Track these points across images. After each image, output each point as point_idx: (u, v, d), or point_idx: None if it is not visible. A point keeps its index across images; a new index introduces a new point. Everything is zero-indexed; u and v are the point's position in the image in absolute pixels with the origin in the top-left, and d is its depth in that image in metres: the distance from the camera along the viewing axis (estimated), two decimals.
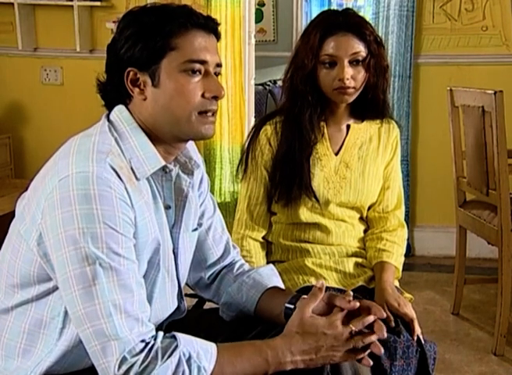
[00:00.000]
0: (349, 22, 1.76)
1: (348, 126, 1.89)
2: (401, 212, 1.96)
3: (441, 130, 3.42)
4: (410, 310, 1.68)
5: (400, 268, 1.89)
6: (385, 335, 1.28)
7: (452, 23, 3.69)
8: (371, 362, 1.29)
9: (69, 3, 3.79)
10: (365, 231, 1.96)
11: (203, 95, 1.27)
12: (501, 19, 3.63)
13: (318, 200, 1.83)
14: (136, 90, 1.26)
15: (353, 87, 1.76)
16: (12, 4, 3.82)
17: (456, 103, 2.87)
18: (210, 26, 1.28)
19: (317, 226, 1.87)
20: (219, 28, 1.32)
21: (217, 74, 1.30)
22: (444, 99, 2.94)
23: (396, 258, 1.88)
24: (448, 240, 3.48)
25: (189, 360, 1.16)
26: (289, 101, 1.84)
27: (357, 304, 1.30)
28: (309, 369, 1.26)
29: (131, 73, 1.25)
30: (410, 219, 3.87)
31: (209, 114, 1.28)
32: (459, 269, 3.01)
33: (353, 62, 1.75)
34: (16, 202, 1.30)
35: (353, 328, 1.25)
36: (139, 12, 1.28)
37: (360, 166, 1.88)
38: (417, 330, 1.64)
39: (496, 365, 2.56)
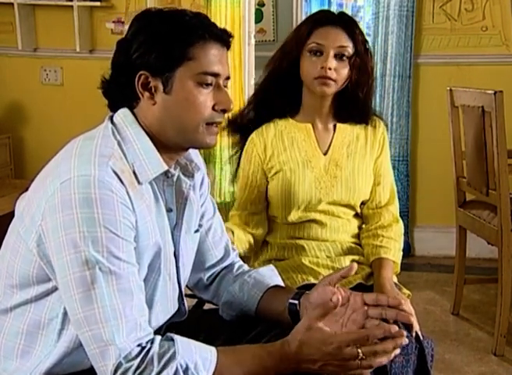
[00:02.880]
0: (342, 17, 1.83)
1: (335, 126, 1.92)
2: (395, 208, 1.96)
3: (441, 130, 3.41)
4: (408, 307, 1.68)
5: (399, 262, 1.90)
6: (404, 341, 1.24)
7: (452, 23, 3.69)
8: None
9: (69, 3, 3.79)
10: (360, 227, 1.97)
11: (213, 107, 1.27)
12: (501, 19, 3.64)
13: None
14: (147, 94, 1.25)
15: (334, 80, 1.79)
16: (12, 4, 3.82)
17: (456, 103, 2.87)
18: (225, 38, 1.29)
19: (312, 221, 1.89)
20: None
21: (225, 87, 1.31)
22: (444, 99, 2.95)
23: (394, 253, 1.88)
24: (448, 240, 3.48)
25: (186, 371, 1.16)
26: (267, 85, 1.89)
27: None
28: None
29: (143, 77, 1.24)
30: (410, 219, 3.87)
31: (215, 125, 1.29)
32: (459, 269, 3.01)
33: (339, 56, 1.79)
34: (15, 202, 1.30)
35: (361, 355, 1.20)
36: (155, 17, 1.27)
37: (349, 163, 1.90)
38: (416, 326, 1.65)
39: (496, 365, 2.56)
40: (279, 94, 1.87)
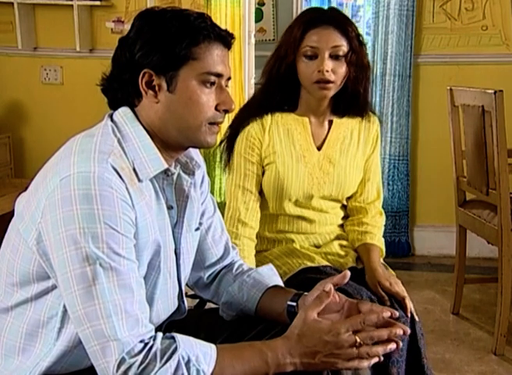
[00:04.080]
0: (332, 16, 1.81)
1: (330, 122, 1.92)
2: (380, 202, 2.01)
3: (441, 130, 3.42)
4: (401, 288, 1.74)
5: (384, 249, 1.95)
6: (408, 331, 1.28)
7: (452, 22, 3.69)
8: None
9: (69, 2, 3.78)
10: (344, 217, 2.00)
11: (216, 107, 1.28)
12: (501, 19, 3.64)
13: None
14: (150, 92, 1.26)
15: (333, 82, 1.78)
16: (12, 3, 3.82)
17: (456, 103, 2.87)
18: (228, 39, 1.30)
19: (301, 218, 1.91)
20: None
21: (226, 87, 1.32)
22: (444, 99, 2.94)
23: (378, 239, 1.94)
24: (448, 239, 3.48)
25: (188, 363, 1.16)
26: (265, 91, 1.88)
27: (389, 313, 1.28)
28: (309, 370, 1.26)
29: (146, 75, 1.25)
30: (410, 218, 3.88)
31: (216, 125, 1.30)
32: (459, 269, 3.01)
33: (334, 56, 1.78)
34: (15, 201, 1.30)
35: (359, 340, 1.23)
36: (159, 16, 1.27)
37: (342, 160, 1.91)
38: (410, 306, 1.70)
39: (496, 364, 2.56)
40: (278, 96, 1.86)
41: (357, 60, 1.81)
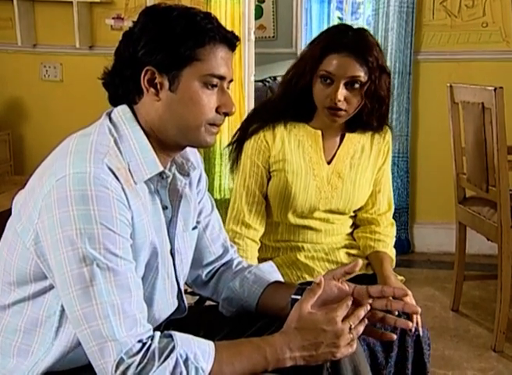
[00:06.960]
0: (356, 43, 1.72)
1: (342, 136, 1.90)
2: (391, 213, 2.00)
3: (441, 127, 3.41)
4: (412, 301, 1.70)
5: (394, 259, 1.94)
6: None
7: (452, 19, 3.69)
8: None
9: None
10: (352, 225, 1.99)
11: (216, 109, 1.28)
12: (501, 16, 3.63)
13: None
14: (152, 90, 1.25)
15: (345, 110, 1.74)
16: (12, 0, 3.82)
17: (456, 99, 2.86)
18: (233, 41, 1.29)
19: (306, 227, 1.89)
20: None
21: (227, 89, 1.32)
22: (444, 96, 2.94)
23: (390, 249, 1.93)
24: (448, 236, 3.48)
25: (186, 361, 1.16)
26: (280, 101, 1.86)
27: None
28: (309, 366, 1.26)
29: (149, 73, 1.24)
30: (409, 215, 3.88)
31: (215, 126, 1.30)
32: (459, 266, 3.02)
33: (350, 85, 1.73)
34: (12, 199, 1.29)
35: (351, 323, 1.25)
36: (166, 14, 1.26)
37: (352, 175, 1.89)
38: (419, 321, 1.67)
39: (496, 361, 2.56)
40: (292, 108, 1.84)
41: (375, 91, 1.75)
